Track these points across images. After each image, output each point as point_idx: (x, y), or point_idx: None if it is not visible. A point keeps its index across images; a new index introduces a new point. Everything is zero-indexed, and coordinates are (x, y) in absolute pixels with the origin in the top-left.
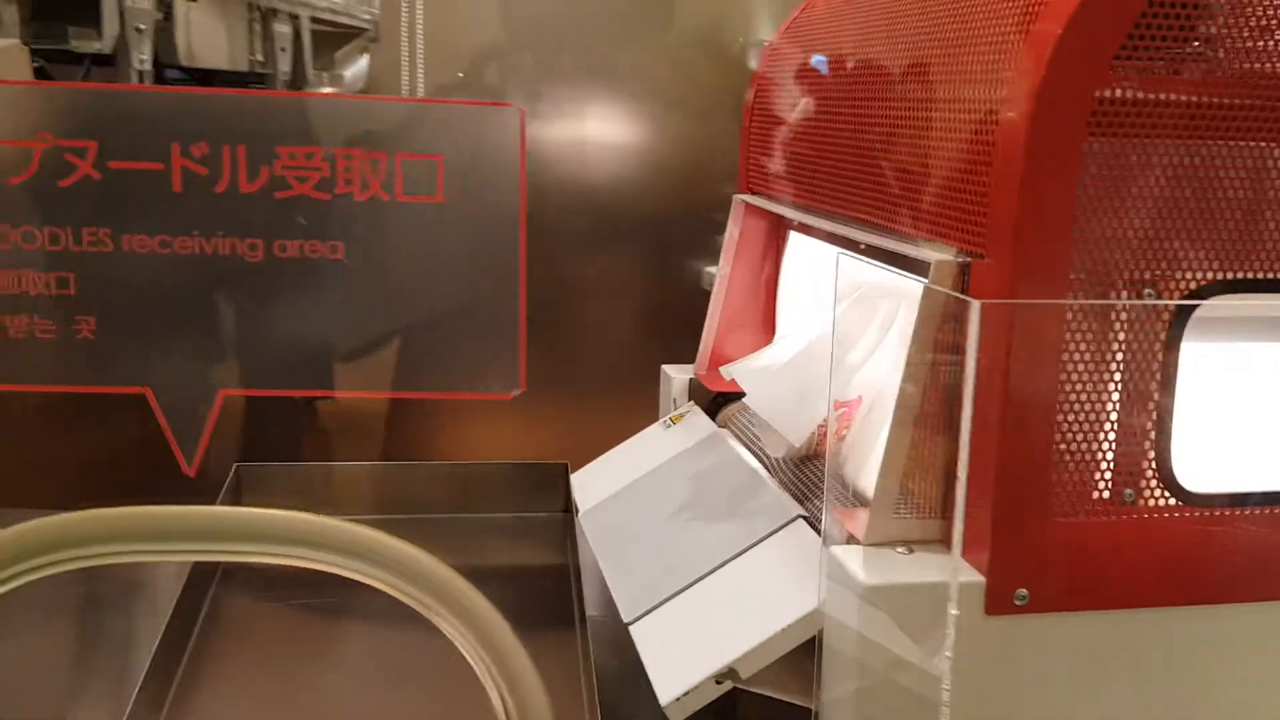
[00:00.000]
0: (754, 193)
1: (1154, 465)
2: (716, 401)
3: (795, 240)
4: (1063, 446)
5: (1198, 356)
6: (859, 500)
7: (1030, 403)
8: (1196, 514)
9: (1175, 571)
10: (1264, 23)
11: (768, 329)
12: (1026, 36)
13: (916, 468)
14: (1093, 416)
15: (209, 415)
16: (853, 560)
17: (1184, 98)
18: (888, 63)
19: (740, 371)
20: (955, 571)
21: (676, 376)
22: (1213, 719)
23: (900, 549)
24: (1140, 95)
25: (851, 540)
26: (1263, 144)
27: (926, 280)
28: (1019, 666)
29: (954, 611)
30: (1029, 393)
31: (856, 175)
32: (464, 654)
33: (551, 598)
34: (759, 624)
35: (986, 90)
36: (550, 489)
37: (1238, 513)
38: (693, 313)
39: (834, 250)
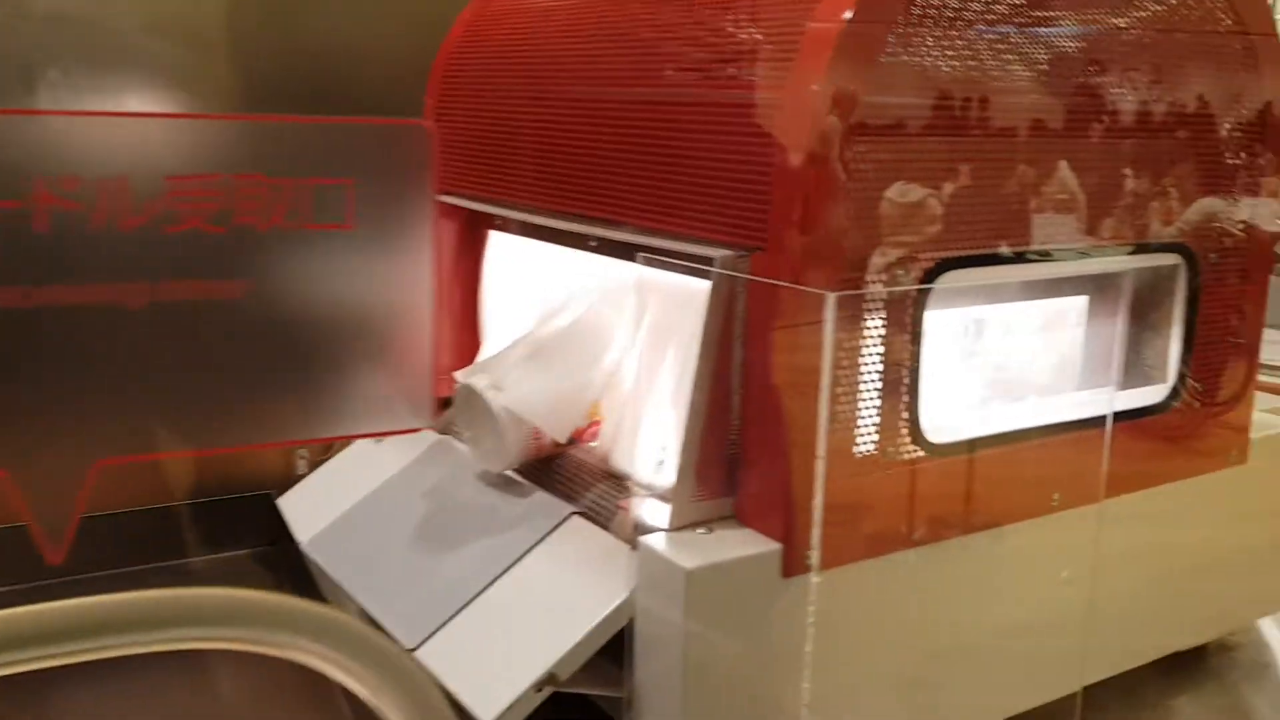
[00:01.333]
0: (448, 192)
1: (908, 424)
2: None
3: (498, 240)
4: (837, 417)
5: (938, 324)
6: (641, 489)
7: (806, 381)
8: (940, 463)
9: (930, 514)
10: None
11: (471, 330)
12: (804, 40)
13: (708, 452)
14: (861, 387)
15: (79, 493)
16: (666, 547)
17: (934, 100)
18: (618, 57)
19: (481, 375)
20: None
21: None
22: (986, 633)
23: (701, 530)
24: (901, 99)
25: (644, 530)
26: (1002, 138)
27: (710, 273)
28: (818, 619)
29: (814, 580)
30: (803, 372)
31: (594, 172)
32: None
33: None
34: (569, 624)
35: (757, 91)
36: (249, 522)
37: (972, 455)
38: None
39: (550, 248)
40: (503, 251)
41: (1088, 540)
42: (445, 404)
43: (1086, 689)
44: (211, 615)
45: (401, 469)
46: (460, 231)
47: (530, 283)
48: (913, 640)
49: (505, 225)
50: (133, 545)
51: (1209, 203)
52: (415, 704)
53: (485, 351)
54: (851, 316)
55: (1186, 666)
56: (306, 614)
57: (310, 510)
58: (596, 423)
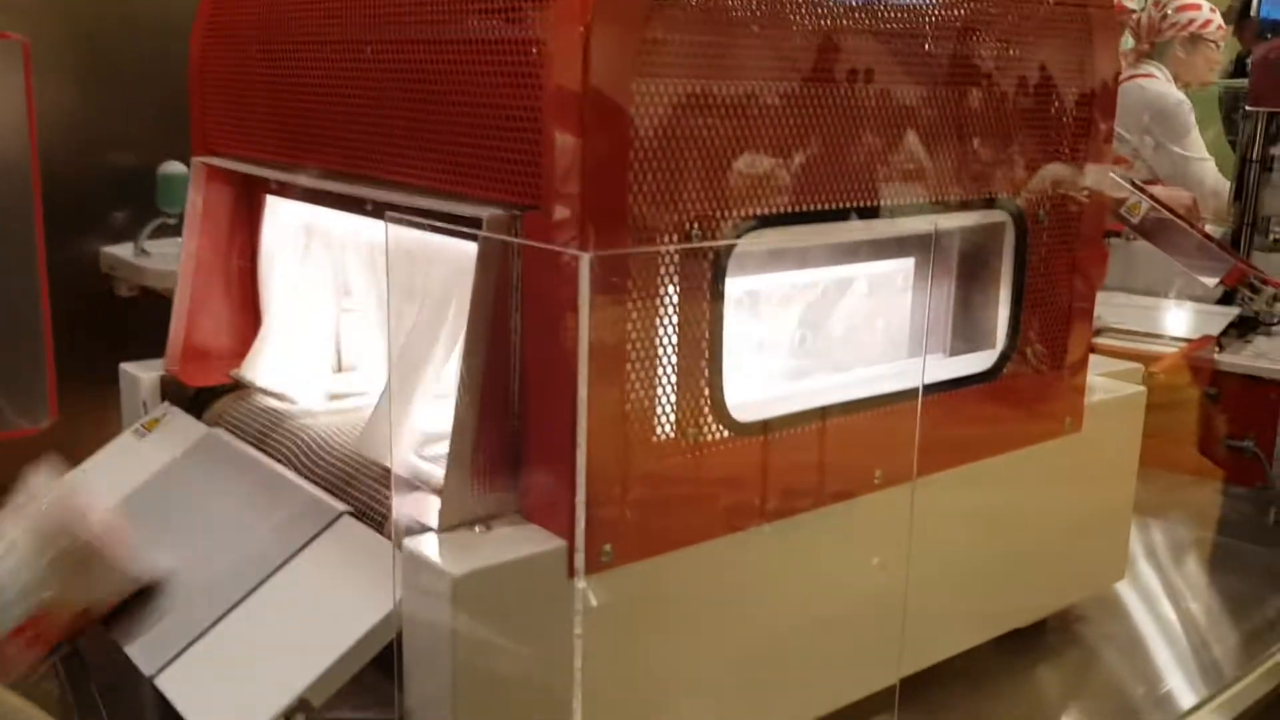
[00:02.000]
0: (216, 153)
1: (710, 403)
2: (199, 399)
3: (276, 205)
4: (632, 396)
5: (741, 292)
6: (417, 483)
7: (597, 356)
8: (747, 442)
9: (739, 498)
10: None
11: (247, 308)
12: None
13: (484, 440)
14: (656, 363)
15: None
16: (431, 550)
17: (724, 39)
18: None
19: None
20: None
21: (143, 375)
22: (802, 626)
23: (478, 528)
24: (684, 37)
25: (413, 531)
26: (801, 84)
27: (479, 235)
28: (611, 621)
29: (580, 585)
30: (595, 346)
31: (363, 127)
32: None
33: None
34: (326, 642)
35: (525, 31)
36: None
37: (783, 434)
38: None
39: (329, 213)
40: (281, 219)
41: (911, 517)
42: (212, 392)
43: (924, 673)
44: None
45: (164, 466)
46: (233, 198)
47: (310, 256)
48: (721, 639)
49: (281, 190)
50: None
51: (1043, 167)
52: None
53: (265, 334)
54: (642, 283)
55: (1027, 643)
56: None
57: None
58: None
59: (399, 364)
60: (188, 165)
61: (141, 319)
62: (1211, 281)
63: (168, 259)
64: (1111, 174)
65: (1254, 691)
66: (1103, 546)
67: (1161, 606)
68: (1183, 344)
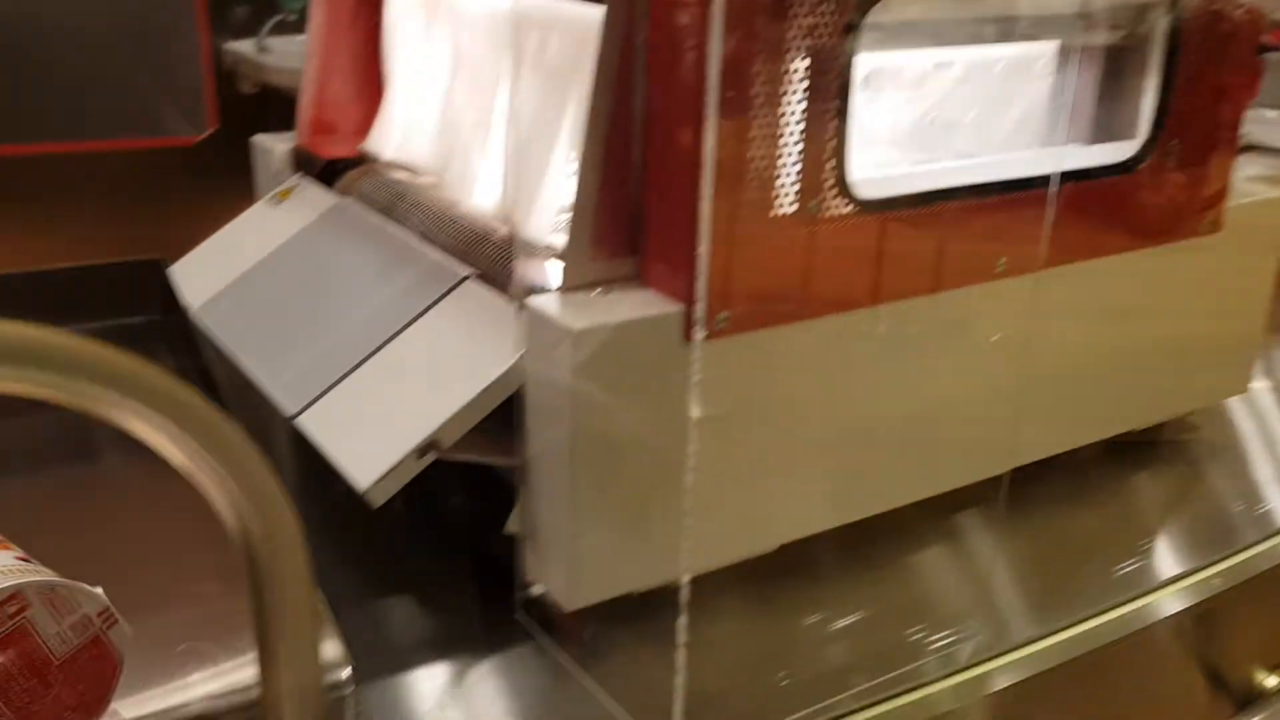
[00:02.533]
0: None
1: (834, 175)
2: (329, 170)
3: None
4: (755, 163)
5: (872, 68)
6: (538, 250)
7: (723, 118)
8: (870, 219)
9: (857, 276)
10: None
11: (374, 83)
12: None
13: (604, 206)
14: (781, 129)
15: None
16: (553, 307)
17: None
18: None
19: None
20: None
21: (276, 147)
22: (914, 406)
23: (597, 291)
24: None
25: (535, 292)
26: None
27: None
28: (724, 386)
29: (700, 334)
30: (719, 108)
31: None
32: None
33: None
34: (454, 390)
35: None
36: (142, 291)
37: (907, 213)
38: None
39: None
40: None
41: (1032, 309)
42: (342, 164)
43: (1028, 467)
44: None
45: (295, 234)
46: None
47: (433, 28)
48: (830, 417)
49: None
50: (13, 311)
51: None
52: (231, 466)
53: (390, 108)
54: (772, 40)
55: (1138, 449)
56: (104, 359)
57: (202, 277)
58: None
59: (524, 134)
60: None
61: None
62: None
63: (288, 56)
64: None
65: None
66: (1228, 356)
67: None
68: None
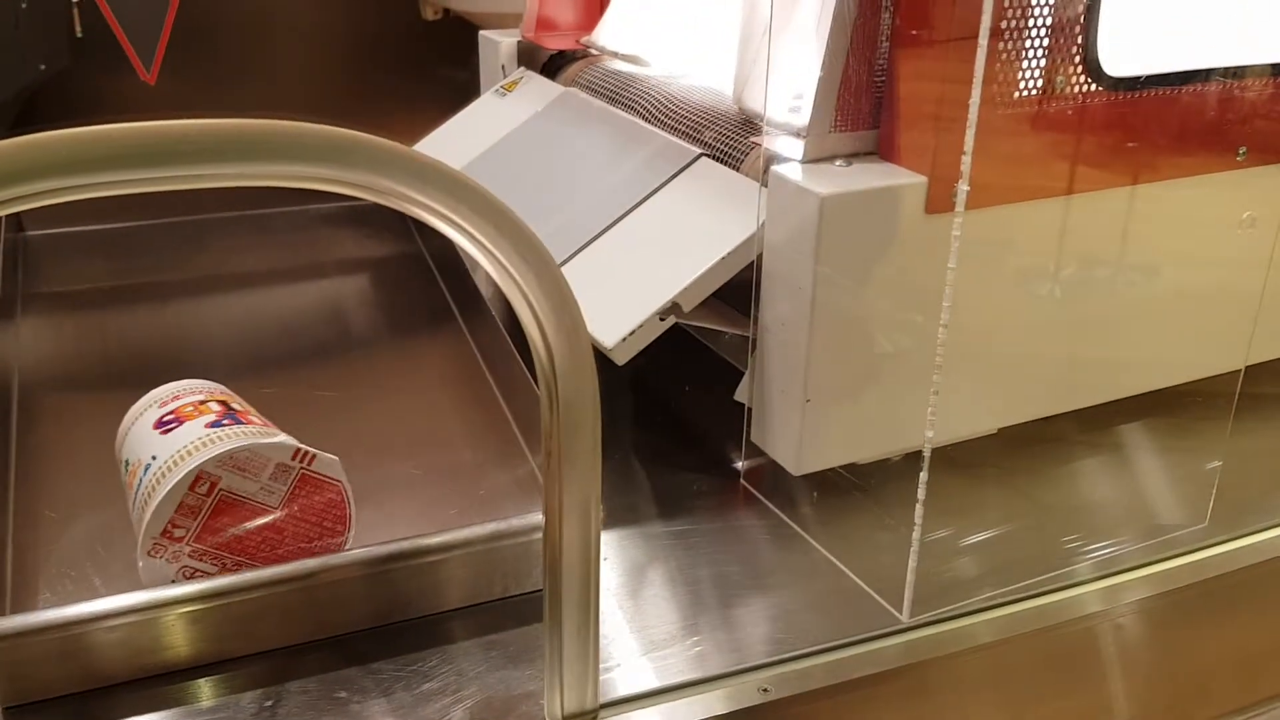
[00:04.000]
0: None
1: (1081, 51)
2: (553, 63)
3: None
4: (1002, 38)
5: None
6: (777, 128)
7: None
8: (1121, 97)
9: (1098, 156)
10: None
11: None
12: None
13: (849, 78)
14: (1029, 4)
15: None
16: (799, 176)
17: None
18: None
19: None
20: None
21: (502, 40)
22: (1149, 294)
23: (838, 163)
24: None
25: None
26: None
27: None
28: (965, 259)
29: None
30: None
31: None
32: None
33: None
34: (694, 257)
35: None
36: None
37: (1156, 94)
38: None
39: None
40: None
41: (1274, 200)
42: (565, 57)
43: (1251, 368)
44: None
45: (529, 117)
46: None
47: None
48: (1067, 296)
49: None
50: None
51: None
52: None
53: (614, 5)
54: None
55: None
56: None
57: (442, 157)
58: None
59: (760, 13)
60: None
61: (448, 40)
62: None
63: None
64: None
65: None
66: None
67: None
68: None
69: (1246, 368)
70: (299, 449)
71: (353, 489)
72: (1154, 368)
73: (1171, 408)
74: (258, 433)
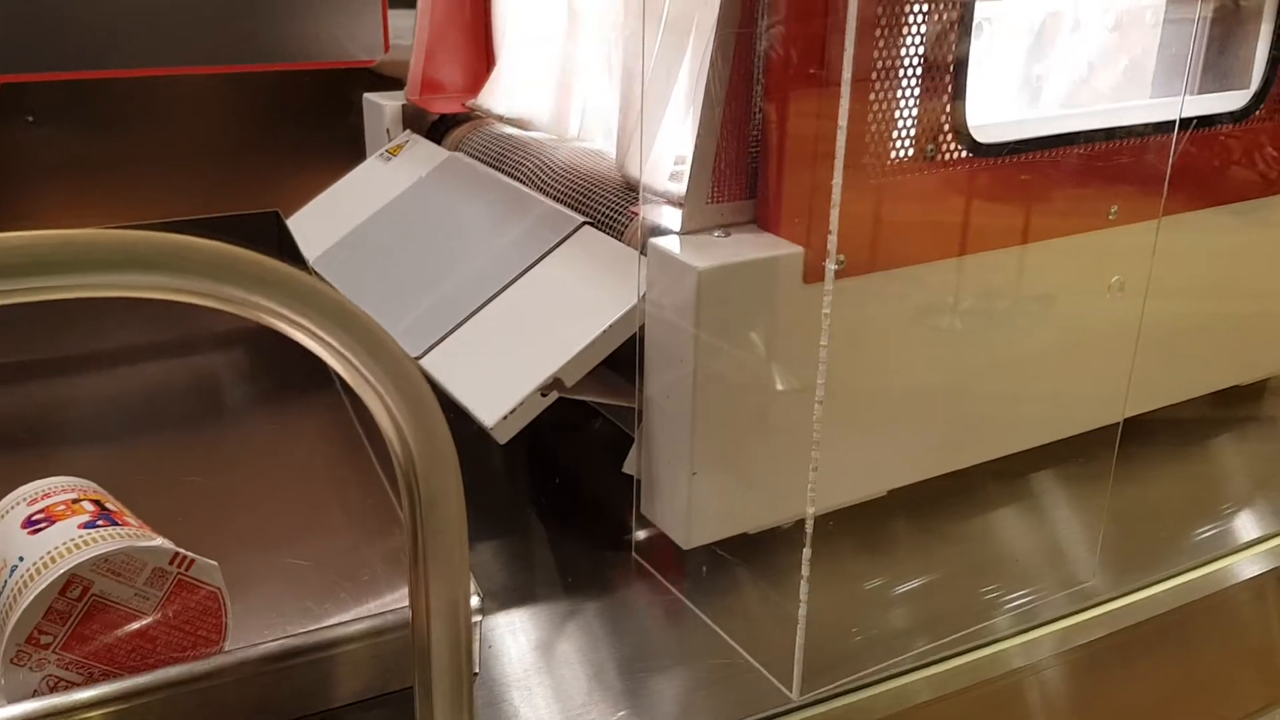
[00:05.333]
0: None
1: (950, 121)
2: (439, 127)
3: None
4: (872, 108)
5: (984, 16)
6: (656, 196)
7: (840, 66)
8: (992, 163)
9: (974, 220)
10: None
11: (482, 42)
12: None
13: (726, 150)
14: (899, 74)
15: None
16: (678, 249)
17: None
18: None
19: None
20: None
21: (386, 104)
22: (1027, 353)
23: (717, 233)
24: None
25: (655, 234)
26: None
27: None
28: (840, 329)
29: (833, 266)
30: (837, 56)
31: None
32: (329, 360)
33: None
34: (576, 331)
35: None
36: (260, 242)
37: (1026, 158)
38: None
39: None
40: None
41: (1144, 259)
42: (451, 120)
43: (1131, 421)
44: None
45: (409, 187)
46: None
47: None
48: (943, 357)
49: None
50: None
51: None
52: (393, 377)
53: (500, 65)
54: None
55: (1242, 403)
56: (284, 277)
57: (318, 228)
58: None
59: (641, 83)
60: None
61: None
62: None
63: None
64: None
65: None
66: None
67: None
68: None
69: (1143, 413)
70: (177, 553)
71: (230, 581)
72: (1036, 424)
73: (1061, 460)
74: (134, 535)
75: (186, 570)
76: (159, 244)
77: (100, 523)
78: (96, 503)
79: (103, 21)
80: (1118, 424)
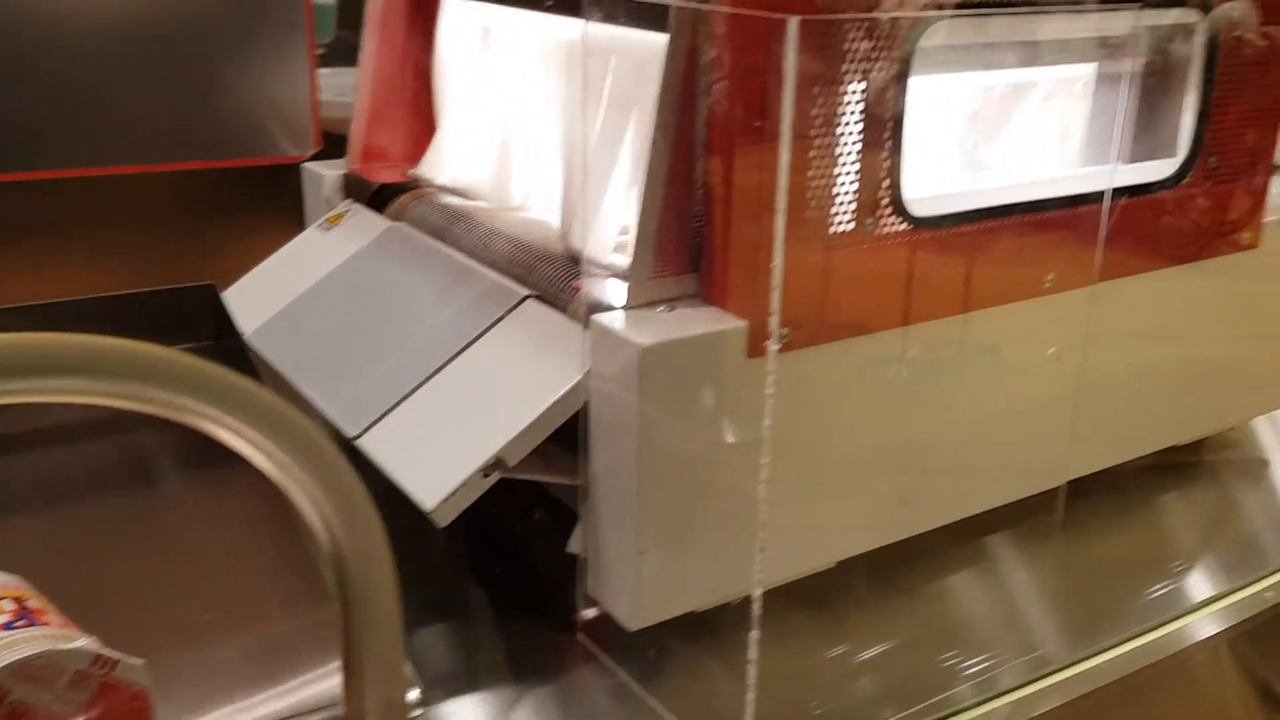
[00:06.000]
0: None
1: (889, 194)
2: (380, 196)
3: (452, 6)
4: (811, 185)
5: (921, 88)
6: (599, 269)
7: (771, 141)
8: (930, 235)
9: (916, 291)
10: None
11: (424, 111)
12: None
13: (668, 224)
14: (837, 150)
15: None
16: (620, 325)
17: None
18: None
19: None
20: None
21: (326, 173)
22: (969, 421)
23: (660, 308)
24: None
25: (599, 310)
26: None
27: (668, 22)
28: (785, 402)
29: (775, 347)
30: (776, 138)
31: None
32: (253, 457)
33: None
34: (519, 408)
35: None
36: (195, 316)
37: (964, 229)
38: None
39: (507, 12)
40: (457, 20)
41: (1080, 326)
42: (392, 189)
43: (1072, 485)
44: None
45: (349, 258)
46: (410, 0)
47: (486, 57)
48: (888, 428)
49: None
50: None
51: None
52: (322, 475)
53: (441, 134)
54: (827, 68)
55: (1180, 463)
56: (201, 373)
57: (255, 302)
58: None
59: (584, 156)
60: None
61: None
62: None
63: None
64: None
65: None
66: (1269, 370)
67: None
68: None
69: (1089, 474)
70: (100, 655)
71: (158, 676)
72: (983, 489)
73: (1011, 523)
74: (55, 636)
75: (110, 672)
76: (72, 347)
77: (20, 623)
78: (17, 600)
79: (24, 123)
80: (1061, 487)
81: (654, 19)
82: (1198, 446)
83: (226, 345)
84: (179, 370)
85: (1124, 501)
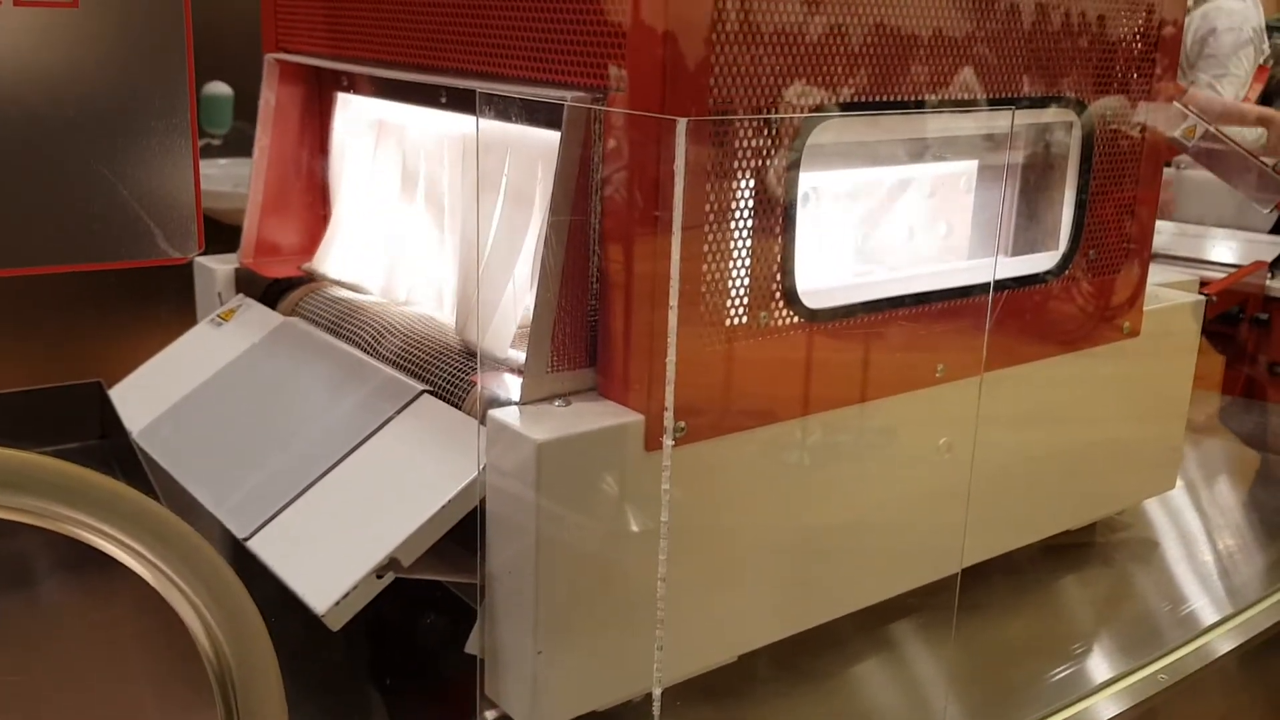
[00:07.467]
0: (288, 50)
1: (781, 288)
2: (273, 291)
3: (347, 101)
4: (706, 278)
5: (808, 187)
6: (495, 364)
7: (665, 237)
8: (823, 327)
9: (804, 384)
10: None
11: (318, 205)
12: None
13: (564, 319)
14: (731, 246)
15: None
16: (516, 420)
17: None
18: None
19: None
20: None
21: (218, 268)
22: (866, 510)
23: (558, 403)
24: None
25: (495, 405)
26: None
27: (559, 120)
28: (682, 495)
29: (669, 442)
30: (668, 239)
31: (442, 12)
32: (151, 579)
33: None
34: (413, 507)
35: None
36: (81, 415)
37: (856, 321)
38: None
39: (403, 108)
40: (352, 115)
41: (972, 414)
42: (285, 284)
43: (969, 570)
44: None
45: (241, 354)
46: (304, 95)
47: (382, 151)
48: (787, 518)
49: (353, 84)
50: None
51: (1111, 68)
52: (207, 585)
53: (336, 228)
54: (723, 161)
55: (1073, 547)
56: (80, 481)
57: (143, 399)
58: None
59: (479, 251)
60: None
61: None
62: (1266, 209)
63: (214, 179)
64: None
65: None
66: (1155, 454)
67: (1202, 520)
68: (1235, 269)
69: (984, 560)
70: None
71: None
72: (880, 578)
73: (910, 611)
74: None
75: None
76: None
77: None
78: None
79: None
80: (958, 573)
81: (547, 117)
82: (1090, 529)
83: (114, 444)
84: (50, 476)
85: (1021, 584)
